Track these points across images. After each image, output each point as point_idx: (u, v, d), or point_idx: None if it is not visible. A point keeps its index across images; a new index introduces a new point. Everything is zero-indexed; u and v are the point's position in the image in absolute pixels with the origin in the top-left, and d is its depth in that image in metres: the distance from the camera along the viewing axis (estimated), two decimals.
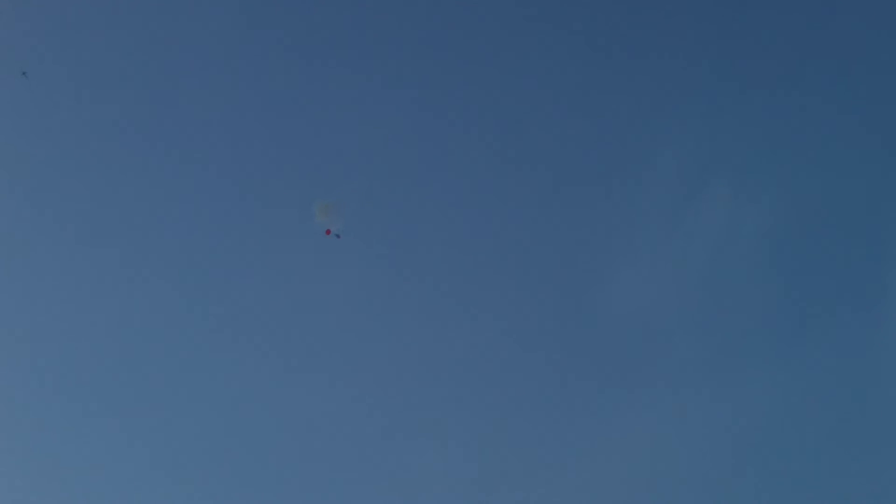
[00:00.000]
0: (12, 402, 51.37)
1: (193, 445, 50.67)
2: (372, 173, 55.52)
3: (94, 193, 55.42)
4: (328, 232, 45.40)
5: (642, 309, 52.32)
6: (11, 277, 53.81)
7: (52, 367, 51.80)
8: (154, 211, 55.01)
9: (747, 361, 50.61)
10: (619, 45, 57.62)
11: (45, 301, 53.50)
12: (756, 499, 47.16)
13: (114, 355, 52.32)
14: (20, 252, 54.16)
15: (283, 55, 57.66)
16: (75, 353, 52.64)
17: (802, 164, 54.28)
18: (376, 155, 56.06)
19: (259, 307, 53.41)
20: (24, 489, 48.64)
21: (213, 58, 57.37)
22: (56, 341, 52.74)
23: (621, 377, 51.31)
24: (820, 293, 52.10)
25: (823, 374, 49.67)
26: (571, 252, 54.54)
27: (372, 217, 53.95)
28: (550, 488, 48.21)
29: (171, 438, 50.52)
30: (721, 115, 55.97)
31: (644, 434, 49.33)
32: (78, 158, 56.11)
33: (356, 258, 53.37)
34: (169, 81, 56.64)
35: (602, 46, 57.56)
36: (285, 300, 53.48)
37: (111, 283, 53.85)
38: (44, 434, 50.50)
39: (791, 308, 51.92)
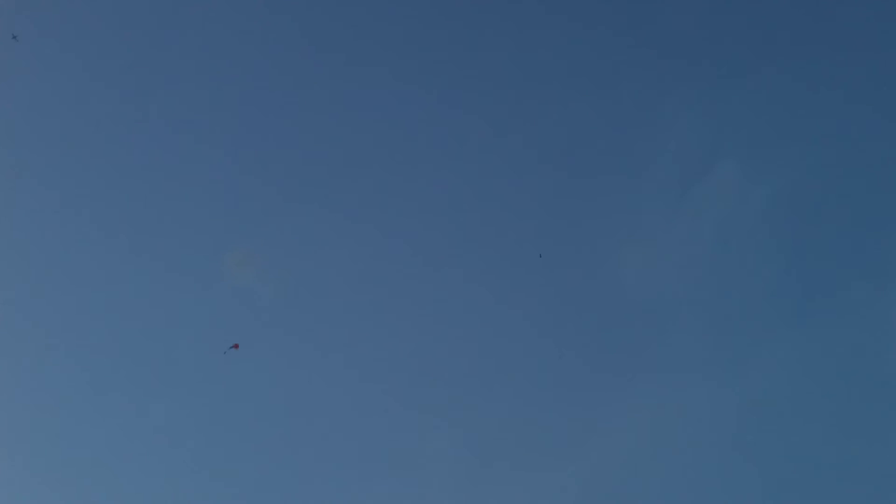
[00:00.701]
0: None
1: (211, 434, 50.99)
2: (387, 172, 56.56)
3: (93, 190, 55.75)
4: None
5: (650, 290, 52.67)
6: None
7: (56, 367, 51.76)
8: (162, 204, 55.31)
9: (754, 341, 50.88)
10: (627, 26, 57.87)
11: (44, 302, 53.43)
12: (760, 478, 47.69)
13: (122, 351, 52.30)
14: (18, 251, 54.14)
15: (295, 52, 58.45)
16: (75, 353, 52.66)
17: (809, 144, 54.87)
18: (390, 154, 56.74)
19: (269, 300, 53.50)
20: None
21: (211, 58, 58.10)
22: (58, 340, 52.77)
23: (629, 358, 51.67)
24: (826, 274, 52.42)
25: (830, 353, 49.91)
26: (580, 236, 54.89)
27: (388, 211, 55.39)
28: (558, 469, 48.50)
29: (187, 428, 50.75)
30: (728, 97, 56.36)
31: (651, 413, 49.58)
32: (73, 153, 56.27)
33: (373, 248, 54.24)
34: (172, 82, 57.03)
35: (610, 28, 58.11)
36: (309, 288, 53.81)
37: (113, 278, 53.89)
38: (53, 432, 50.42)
39: (800, 287, 52.20)
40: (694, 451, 48.62)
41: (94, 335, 52.69)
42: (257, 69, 58.00)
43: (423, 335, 52.77)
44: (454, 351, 52.42)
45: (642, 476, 48.07)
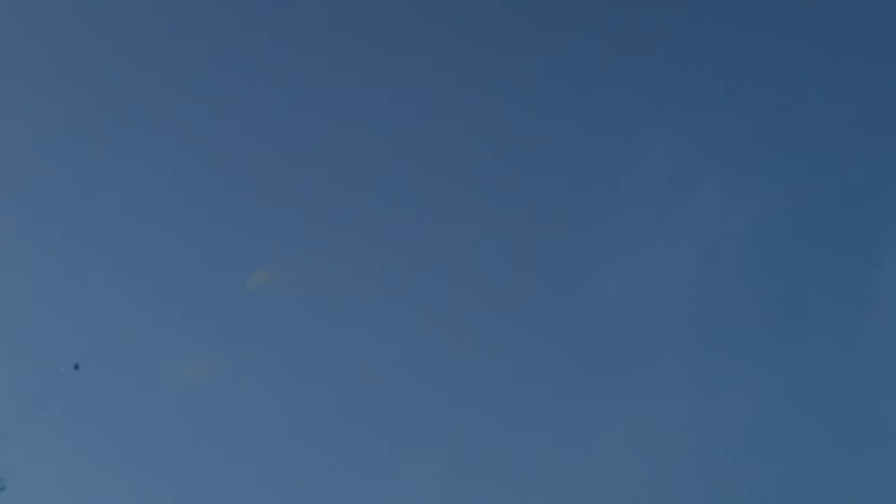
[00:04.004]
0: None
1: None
2: (363, 176, 56.16)
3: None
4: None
5: (631, 310, 52.79)
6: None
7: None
8: (148, 209, 55.65)
9: (737, 362, 50.90)
10: (608, 46, 57.89)
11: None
12: (747, 500, 48.47)
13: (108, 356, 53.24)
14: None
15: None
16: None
17: (792, 165, 54.69)
18: (368, 158, 56.71)
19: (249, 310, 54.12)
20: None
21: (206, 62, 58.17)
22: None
23: (610, 378, 51.57)
24: (810, 294, 52.63)
25: (814, 374, 50.31)
26: (559, 253, 54.92)
27: (360, 219, 54.85)
28: (535, 491, 49.34)
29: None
30: (711, 116, 56.03)
31: (633, 436, 50.17)
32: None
33: (349, 259, 54.28)
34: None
35: (591, 48, 57.75)
36: (274, 302, 54.14)
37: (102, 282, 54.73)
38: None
39: (781, 309, 52.41)
40: (676, 472, 49.19)
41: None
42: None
43: (394, 359, 52.96)
44: (427, 368, 52.51)
45: (623, 496, 48.90)
